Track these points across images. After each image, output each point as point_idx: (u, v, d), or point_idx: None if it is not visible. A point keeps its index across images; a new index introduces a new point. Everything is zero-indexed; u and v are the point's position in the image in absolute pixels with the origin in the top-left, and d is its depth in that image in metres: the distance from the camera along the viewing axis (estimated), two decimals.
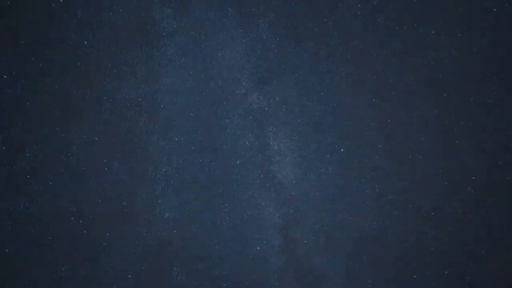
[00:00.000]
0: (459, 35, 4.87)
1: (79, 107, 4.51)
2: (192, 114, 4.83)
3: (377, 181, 5.35)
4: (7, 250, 4.09)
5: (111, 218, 4.73)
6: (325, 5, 4.82)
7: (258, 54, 4.95)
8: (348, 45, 5.11)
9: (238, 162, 5.13)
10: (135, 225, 4.83)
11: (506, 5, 4.87)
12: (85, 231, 4.53)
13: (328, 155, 5.30)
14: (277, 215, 5.38)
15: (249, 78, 4.99)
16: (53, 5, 3.85)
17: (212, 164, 5.00)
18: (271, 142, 5.25)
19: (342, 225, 5.36)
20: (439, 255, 5.16)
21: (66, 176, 4.39)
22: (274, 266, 5.30)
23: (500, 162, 5.16)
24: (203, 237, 5.09)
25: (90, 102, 4.47)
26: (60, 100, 4.39)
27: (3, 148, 3.98)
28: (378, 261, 5.23)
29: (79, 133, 4.42)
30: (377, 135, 5.37)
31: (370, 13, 4.88)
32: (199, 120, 4.90)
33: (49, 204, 4.41)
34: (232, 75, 4.97)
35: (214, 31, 4.71)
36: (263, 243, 5.29)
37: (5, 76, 3.51)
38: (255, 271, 5.21)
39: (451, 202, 5.16)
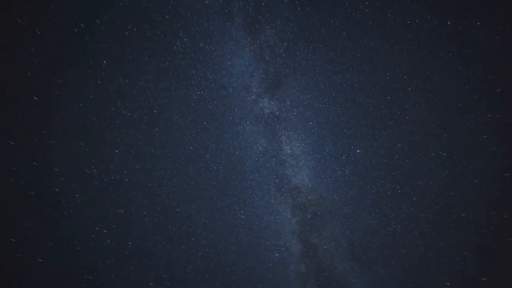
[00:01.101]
0: (477, 24, 4.48)
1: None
2: (205, 123, 4.84)
3: (398, 181, 4.97)
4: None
5: (133, 226, 4.78)
6: (331, 5, 4.68)
7: (267, 60, 4.90)
8: (358, 44, 4.90)
9: (252, 168, 5.02)
10: (155, 235, 4.83)
11: None
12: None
13: (344, 157, 5.03)
14: (294, 220, 5.16)
15: (259, 84, 4.94)
16: None
17: (226, 171, 4.93)
18: (284, 147, 5.10)
19: (364, 229, 5.01)
20: (471, 260, 4.62)
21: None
22: (294, 274, 5.04)
23: None
24: (221, 244, 4.97)
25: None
26: None
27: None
28: (406, 268, 4.79)
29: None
30: (395, 134, 5.03)
31: (378, 8, 4.66)
32: (212, 128, 4.89)
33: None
34: (242, 82, 4.94)
35: (223, 41, 4.74)
36: (282, 250, 5.07)
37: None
38: (274, 278, 4.98)
39: (479, 203, 4.64)
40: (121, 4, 4.31)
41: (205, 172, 4.84)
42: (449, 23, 4.60)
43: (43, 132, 4.36)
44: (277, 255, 4.71)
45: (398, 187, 4.67)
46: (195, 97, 4.78)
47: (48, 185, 4.43)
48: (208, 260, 4.87)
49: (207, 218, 4.74)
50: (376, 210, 4.68)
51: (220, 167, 4.78)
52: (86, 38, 4.38)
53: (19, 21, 3.74)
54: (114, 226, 4.77)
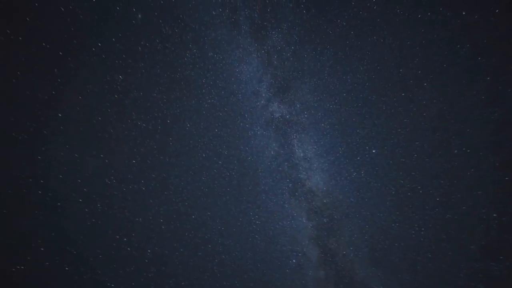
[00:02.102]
0: (493, 13, 4.15)
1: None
2: (216, 130, 4.81)
3: (419, 181, 4.63)
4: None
5: (151, 232, 4.80)
6: (337, 5, 4.55)
7: (275, 65, 4.83)
8: (367, 42, 4.71)
9: (265, 172, 4.90)
10: (172, 243, 4.81)
11: None
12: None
13: (358, 158, 4.78)
14: (310, 225, 4.94)
15: (268, 88, 4.86)
16: None
17: (239, 176, 4.84)
18: (297, 150, 4.95)
19: (385, 233, 4.68)
20: (505, 264, 4.14)
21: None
22: (312, 280, 4.78)
23: None
24: (237, 250, 4.85)
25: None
26: None
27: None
28: (432, 274, 4.39)
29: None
30: (412, 132, 4.73)
31: (385, 4, 4.46)
32: (223, 135, 4.85)
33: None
34: (251, 88, 4.89)
35: (230, 49, 4.75)
36: (299, 255, 4.85)
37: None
38: (292, 285, 4.75)
39: (505, 202, 4.18)
40: (133, 21, 4.45)
41: (219, 178, 4.78)
42: (464, 13, 4.30)
43: (67, 146, 4.53)
44: (294, 261, 4.49)
45: (419, 187, 4.34)
46: (206, 105, 4.78)
47: (71, 195, 4.56)
48: (225, 267, 4.75)
49: (222, 224, 4.65)
50: (397, 213, 4.36)
51: (233, 173, 4.70)
52: (103, 56, 4.55)
53: (42, 43, 3.95)
54: (133, 235, 4.80)
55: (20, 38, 3.84)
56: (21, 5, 3.65)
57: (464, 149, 4.21)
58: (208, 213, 4.76)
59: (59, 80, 4.34)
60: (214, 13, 4.55)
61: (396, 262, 4.16)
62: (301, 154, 4.51)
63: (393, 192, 4.32)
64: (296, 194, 4.55)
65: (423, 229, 4.13)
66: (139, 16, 4.40)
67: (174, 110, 4.78)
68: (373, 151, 4.43)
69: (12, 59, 3.74)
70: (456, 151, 4.23)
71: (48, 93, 4.26)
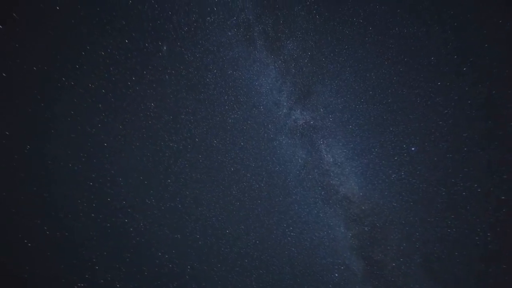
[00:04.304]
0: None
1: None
2: (242, 143, 4.69)
3: (475, 178, 3.83)
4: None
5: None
6: (351, 4, 4.23)
7: (293, 73, 4.62)
8: (389, 35, 4.25)
9: (294, 182, 4.56)
10: (209, 258, 4.66)
11: None
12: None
13: (396, 158, 4.18)
14: (350, 234, 4.38)
15: (288, 97, 4.64)
16: None
17: (268, 188, 4.58)
18: (325, 155, 4.54)
19: (440, 240, 3.92)
20: None
21: None
22: None
23: None
24: (274, 265, 4.48)
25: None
26: None
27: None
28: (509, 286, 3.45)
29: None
30: (457, 123, 4.01)
31: None
32: (249, 148, 4.70)
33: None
34: (272, 98, 4.73)
35: (248, 65, 4.70)
36: (341, 269, 4.28)
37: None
38: None
39: None
40: (160, 54, 4.71)
41: (249, 191, 4.57)
42: None
43: (112, 172, 4.82)
44: (337, 275, 3.97)
45: (475, 185, 3.58)
46: (230, 120, 4.73)
47: (118, 216, 4.76)
48: (264, 283, 4.39)
49: (256, 237, 4.36)
50: (452, 216, 3.63)
51: (262, 185, 4.45)
52: (137, 88, 4.85)
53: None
54: (173, 251, 4.77)
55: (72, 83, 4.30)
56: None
57: None
58: (242, 226, 4.53)
59: (103, 114, 4.69)
60: (230, 33, 4.59)
61: (459, 275, 3.38)
62: (331, 159, 4.09)
63: (444, 193, 3.61)
64: (330, 202, 4.08)
65: (489, 234, 3.32)
66: (164, 48, 4.65)
67: (201, 128, 4.81)
68: (412, 149, 3.82)
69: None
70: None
71: (96, 126, 4.61)
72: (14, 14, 3.63)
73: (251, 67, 4.67)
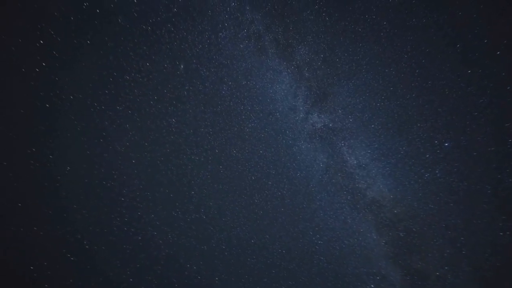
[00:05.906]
0: None
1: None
2: (261, 151, 4.55)
3: None
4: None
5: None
6: (361, 2, 4.00)
7: (307, 77, 4.44)
8: (406, 27, 3.93)
9: (317, 187, 4.27)
10: (237, 269, 4.47)
11: None
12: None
13: (428, 155, 3.74)
14: (383, 241, 3.94)
15: (304, 101, 4.45)
16: None
17: (291, 195, 4.33)
18: (348, 158, 4.21)
19: (491, 245, 3.35)
20: None
21: None
22: None
23: None
24: (303, 275, 4.15)
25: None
26: None
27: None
28: None
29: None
30: (495, 112, 3.51)
31: None
32: (268, 155, 4.53)
33: None
34: (287, 104, 4.57)
35: (261, 73, 4.63)
36: (377, 279, 3.84)
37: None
38: None
39: None
40: (178, 72, 4.83)
41: (271, 199, 4.37)
42: None
43: (141, 187, 4.93)
44: (372, 286, 3.55)
45: None
46: (247, 129, 4.64)
47: (148, 229, 4.80)
48: None
49: (282, 247, 4.10)
50: (503, 217, 3.09)
51: (284, 192, 4.23)
52: (159, 106, 5.00)
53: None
54: (201, 263, 4.66)
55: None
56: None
57: None
58: (267, 236, 4.30)
59: (130, 133, 4.86)
60: (241, 46, 4.58)
61: None
62: (354, 162, 3.76)
63: (489, 191, 3.11)
64: (358, 206, 3.72)
65: None
66: (182, 66, 4.76)
67: (220, 140, 4.77)
68: (446, 144, 3.39)
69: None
70: None
71: (124, 145, 4.79)
72: (41, 42, 3.96)
73: (264, 76, 4.58)
